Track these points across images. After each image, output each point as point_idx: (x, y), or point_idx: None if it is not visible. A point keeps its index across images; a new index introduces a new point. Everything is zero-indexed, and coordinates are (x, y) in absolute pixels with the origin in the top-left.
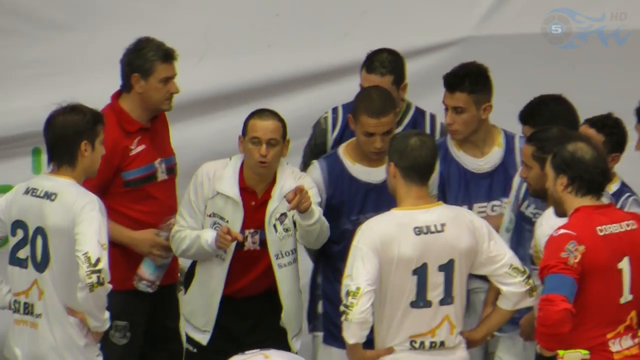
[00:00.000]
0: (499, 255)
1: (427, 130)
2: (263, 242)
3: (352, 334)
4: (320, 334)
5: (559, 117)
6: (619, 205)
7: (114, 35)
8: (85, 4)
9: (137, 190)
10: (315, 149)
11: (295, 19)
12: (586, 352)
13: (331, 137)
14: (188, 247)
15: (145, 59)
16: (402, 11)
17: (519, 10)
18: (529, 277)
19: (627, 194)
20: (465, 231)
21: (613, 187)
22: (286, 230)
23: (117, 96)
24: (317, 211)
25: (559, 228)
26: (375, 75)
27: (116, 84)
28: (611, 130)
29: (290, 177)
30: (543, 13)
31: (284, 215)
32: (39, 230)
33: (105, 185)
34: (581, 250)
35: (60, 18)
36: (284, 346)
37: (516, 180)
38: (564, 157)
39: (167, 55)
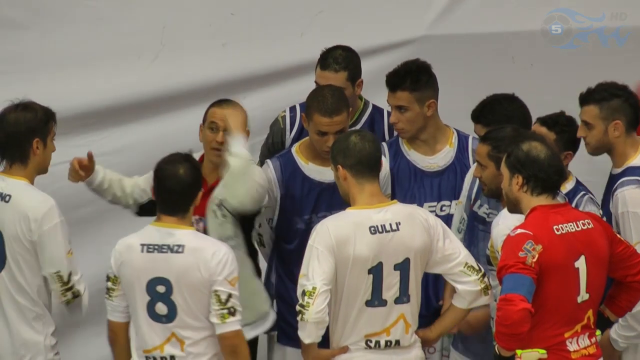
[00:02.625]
0: (454, 253)
1: (385, 128)
2: (206, 230)
3: (308, 334)
4: (274, 334)
5: (512, 116)
6: (574, 204)
7: (69, 34)
8: (40, 3)
9: None
10: (273, 148)
11: (251, 18)
12: (543, 351)
13: (289, 135)
14: None
15: None
16: (358, 10)
17: (474, 9)
18: (483, 275)
19: (582, 193)
20: (420, 229)
21: (567, 186)
22: (224, 216)
23: None
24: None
25: (516, 228)
26: (329, 71)
27: (72, 81)
28: (562, 129)
29: None
30: (507, 12)
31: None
32: None
33: None
34: (538, 250)
35: (15, 17)
36: None
37: (468, 179)
38: (518, 157)
39: None
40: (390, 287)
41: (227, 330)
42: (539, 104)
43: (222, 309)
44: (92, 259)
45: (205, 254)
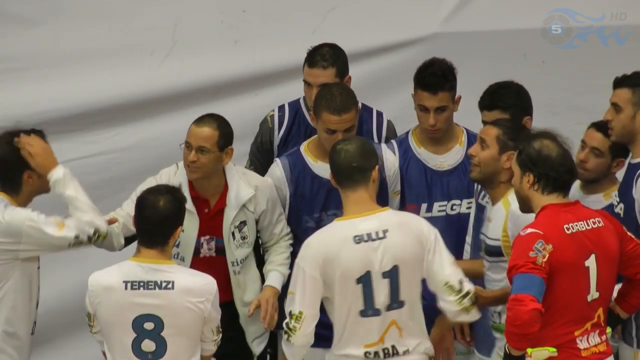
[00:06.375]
0: (438, 270)
1: (374, 127)
2: (220, 250)
3: (293, 354)
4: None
5: (523, 100)
6: None
7: (82, 30)
8: (52, 0)
9: None
10: (262, 147)
11: (263, 15)
12: (554, 349)
13: (277, 135)
14: None
15: None
16: (371, 8)
17: (486, 7)
18: (464, 296)
19: None
20: (411, 238)
21: (613, 195)
22: (243, 238)
23: None
24: (281, 281)
25: (526, 227)
26: (317, 68)
27: (84, 78)
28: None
29: (242, 180)
30: (518, 10)
31: (242, 223)
32: None
33: None
34: (549, 250)
35: (27, 13)
36: (244, 348)
37: None
38: (530, 155)
39: None
40: (382, 295)
41: (214, 351)
42: (551, 101)
43: (217, 337)
44: (103, 255)
45: (195, 289)
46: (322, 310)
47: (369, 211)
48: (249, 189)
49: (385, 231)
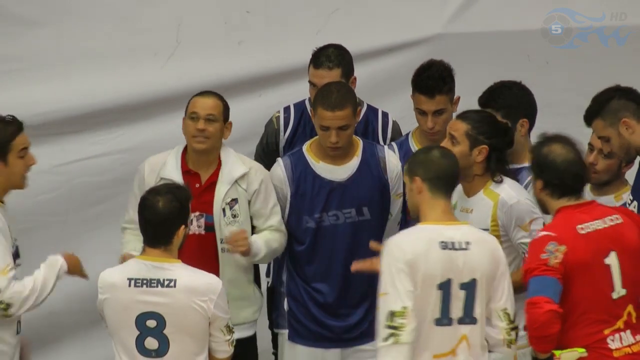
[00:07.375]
0: (498, 295)
1: (379, 128)
2: (209, 227)
3: (405, 357)
4: (285, 332)
5: (521, 102)
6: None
7: (86, 31)
8: (56, 0)
9: None
10: (267, 149)
11: (267, 16)
12: (583, 350)
13: (283, 136)
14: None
15: None
16: (374, 9)
17: (490, 8)
18: (513, 329)
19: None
20: (489, 255)
21: (624, 197)
22: (234, 216)
23: None
24: (263, 249)
25: (540, 230)
26: (323, 69)
27: (87, 79)
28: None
29: (236, 159)
30: (522, 11)
31: (234, 200)
32: None
33: None
34: (562, 250)
35: (32, 14)
36: None
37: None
38: (538, 160)
39: None
40: (457, 306)
41: (231, 353)
42: (554, 101)
43: (230, 336)
44: (107, 256)
45: (198, 288)
46: (323, 309)
47: (454, 222)
48: (243, 166)
49: (467, 243)
